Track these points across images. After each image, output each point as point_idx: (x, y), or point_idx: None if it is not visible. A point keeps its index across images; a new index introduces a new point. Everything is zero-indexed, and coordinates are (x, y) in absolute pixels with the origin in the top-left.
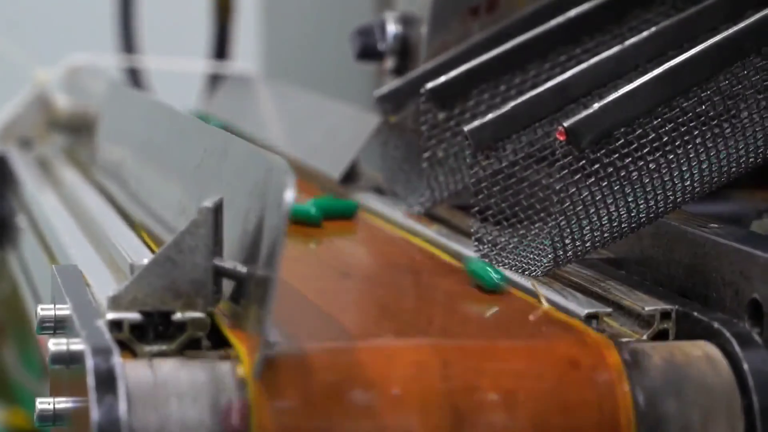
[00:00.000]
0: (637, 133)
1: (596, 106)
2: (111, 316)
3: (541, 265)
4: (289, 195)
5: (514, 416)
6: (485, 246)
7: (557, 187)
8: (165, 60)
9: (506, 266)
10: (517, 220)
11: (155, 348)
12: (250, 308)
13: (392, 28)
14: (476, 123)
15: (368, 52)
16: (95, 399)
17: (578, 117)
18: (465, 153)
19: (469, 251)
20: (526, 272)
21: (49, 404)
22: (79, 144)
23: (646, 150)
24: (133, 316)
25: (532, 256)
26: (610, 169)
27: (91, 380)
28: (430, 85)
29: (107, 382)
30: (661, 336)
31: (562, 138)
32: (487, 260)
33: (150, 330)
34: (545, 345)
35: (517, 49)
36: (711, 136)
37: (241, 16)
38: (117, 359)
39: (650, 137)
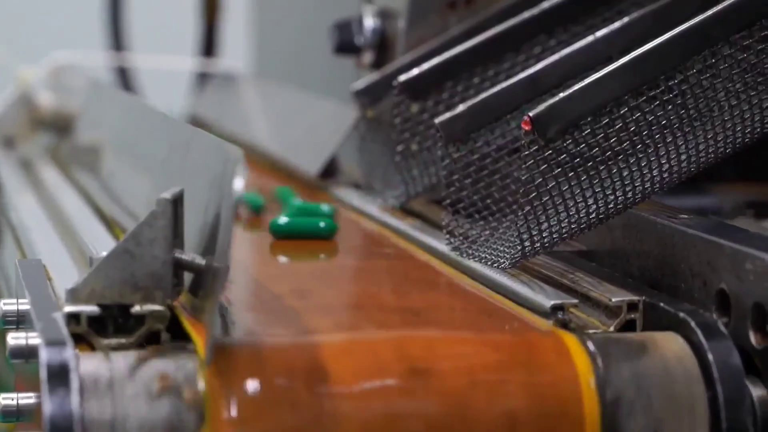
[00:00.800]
0: (604, 122)
1: (562, 95)
2: (68, 309)
3: (509, 257)
4: (238, 184)
5: (475, 410)
6: (456, 239)
7: (523, 178)
8: (152, 58)
9: (477, 259)
10: (489, 213)
11: (114, 341)
12: (206, 300)
13: (370, 22)
14: (447, 115)
15: (345, 46)
16: (47, 392)
17: (543, 106)
18: (437, 146)
19: (441, 244)
20: (495, 264)
21: (12, 400)
22: (62, 142)
23: (614, 140)
24: (91, 309)
25: (501, 248)
26: (577, 160)
27: (43, 373)
28: (402, 77)
29: (60, 375)
30: (628, 327)
31: (527, 128)
32: (458, 253)
33: (109, 323)
34: (507, 337)
35: (491, 40)
36: (680, 126)
37: (230, 13)
38: (70, 352)
39: (617, 127)
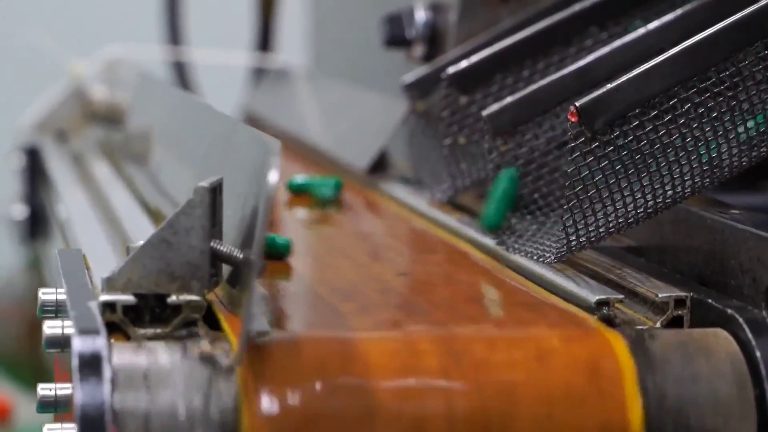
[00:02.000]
0: (653, 114)
1: (610, 86)
2: (104, 298)
3: (555, 252)
4: (273, 176)
5: (511, 408)
6: (503, 233)
7: (569, 171)
8: (208, 52)
9: (522, 253)
10: (537, 207)
11: (149, 331)
12: (242, 293)
13: (421, 15)
14: (495, 107)
15: (396, 39)
16: (79, 381)
17: (591, 97)
18: (484, 138)
19: (486, 239)
20: (541, 259)
21: (50, 390)
22: (113, 135)
23: (662, 132)
24: (127, 298)
25: (548, 243)
26: (624, 152)
27: (75, 362)
28: (451, 69)
29: (92, 364)
30: (675, 323)
31: (573, 119)
32: (504, 247)
33: (146, 313)
34: (549, 335)
35: (540, 33)
36: (731, 119)
37: (286, 8)
38: (103, 341)
39: (667, 119)
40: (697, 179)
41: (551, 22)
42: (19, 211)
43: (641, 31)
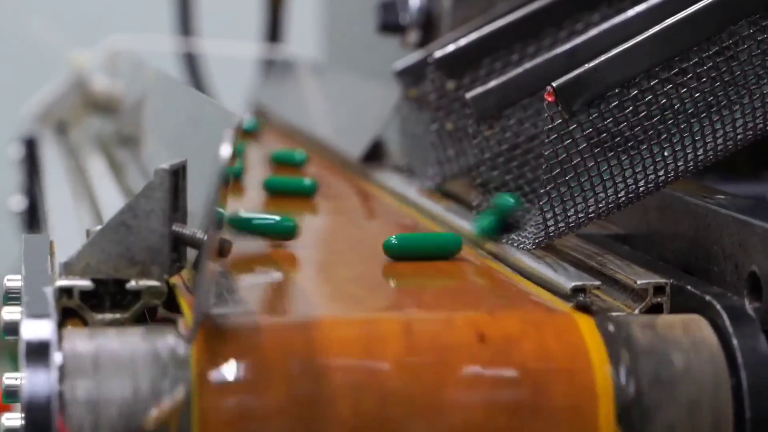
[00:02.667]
0: (633, 95)
1: (588, 65)
2: (60, 283)
3: (533, 238)
4: (225, 150)
5: (476, 392)
6: (485, 218)
7: (546, 153)
8: (216, 43)
9: (503, 240)
10: (522, 194)
11: (108, 316)
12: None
13: (415, 1)
14: (479, 89)
15: (390, 25)
16: (25, 368)
17: (568, 77)
18: (468, 122)
19: (468, 226)
20: (520, 245)
21: (16, 379)
22: (110, 126)
23: (643, 114)
24: (83, 283)
25: (528, 229)
26: (604, 135)
27: (22, 349)
28: (438, 53)
29: (39, 350)
30: (654, 311)
31: (550, 99)
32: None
33: (106, 298)
34: (515, 316)
35: (530, 16)
36: (714, 100)
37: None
38: (51, 327)
39: (647, 100)
40: (680, 163)
41: (541, 4)
42: (18, 202)
43: (631, 13)
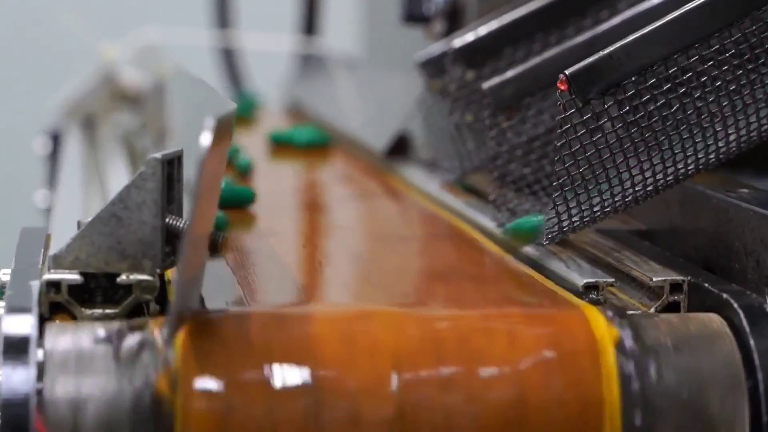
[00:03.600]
0: (650, 83)
1: (603, 52)
2: (47, 276)
3: (547, 232)
4: (205, 139)
5: (471, 390)
6: (503, 215)
7: (558, 144)
8: (250, 36)
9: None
10: (541, 187)
11: (97, 312)
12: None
13: None
14: (496, 80)
15: (414, 15)
16: (2, 364)
17: (582, 64)
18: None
19: (487, 221)
20: (542, 241)
21: None
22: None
23: (661, 102)
24: (72, 277)
25: (548, 223)
26: (620, 124)
27: (1, 344)
28: (457, 42)
29: (17, 346)
30: (671, 309)
31: (563, 87)
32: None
33: (98, 293)
34: (519, 314)
35: (552, 5)
36: (736, 88)
37: None
38: (31, 322)
39: (665, 88)
40: (701, 155)
41: None
42: (43, 197)
43: (654, 0)
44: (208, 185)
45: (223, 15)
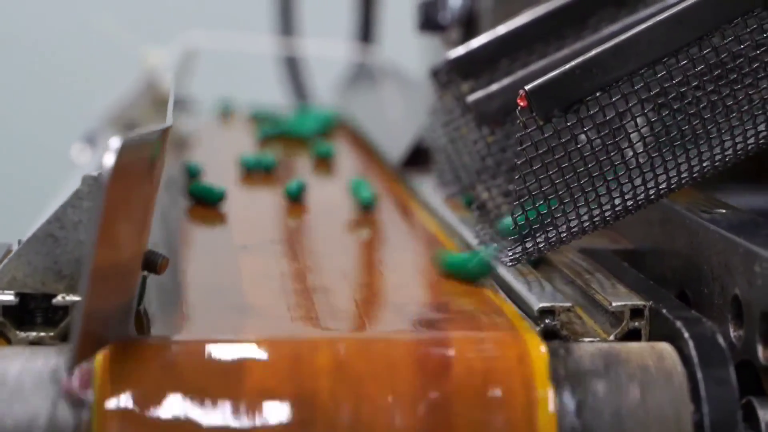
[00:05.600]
0: (615, 99)
1: (566, 67)
2: None
3: (511, 254)
4: (107, 160)
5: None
6: (485, 232)
7: (518, 163)
8: (299, 42)
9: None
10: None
11: (32, 334)
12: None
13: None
14: (480, 93)
15: (430, 24)
16: None
17: (542, 80)
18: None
19: (472, 238)
20: (502, 262)
21: None
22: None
23: (628, 121)
24: (5, 298)
25: (508, 244)
26: (583, 144)
27: None
28: (452, 53)
29: None
30: (632, 336)
31: (523, 104)
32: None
33: (38, 314)
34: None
35: (551, 14)
36: (707, 106)
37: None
38: None
39: (631, 105)
40: (672, 174)
41: (564, 2)
42: None
43: (645, 12)
44: (115, 211)
45: (284, 21)
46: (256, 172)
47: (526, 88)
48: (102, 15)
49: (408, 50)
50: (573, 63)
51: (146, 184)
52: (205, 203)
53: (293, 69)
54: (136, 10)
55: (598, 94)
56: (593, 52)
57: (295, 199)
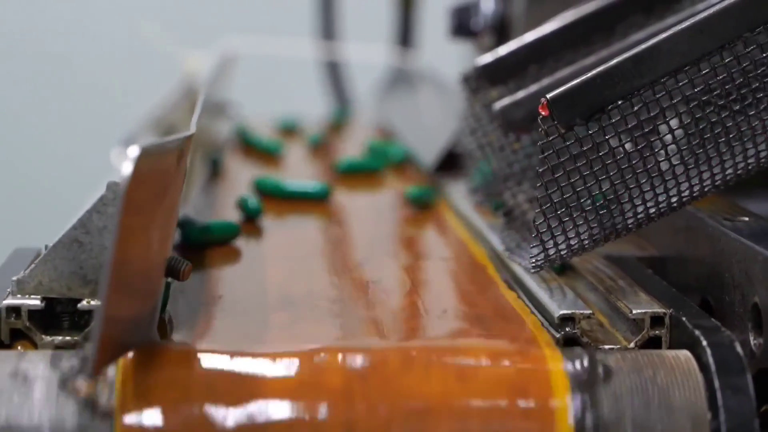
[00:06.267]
0: (637, 108)
1: (586, 76)
2: (7, 302)
3: (534, 260)
4: (125, 168)
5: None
6: (512, 240)
7: (540, 170)
8: (339, 46)
9: (518, 261)
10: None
11: (58, 339)
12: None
13: (488, 5)
14: (507, 100)
15: (462, 30)
16: None
17: (564, 88)
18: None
19: (499, 244)
20: (527, 268)
21: None
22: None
23: (650, 128)
24: (31, 302)
25: (531, 250)
26: (605, 151)
27: None
28: (480, 60)
29: None
30: (653, 344)
31: (544, 113)
32: (508, 254)
33: (65, 319)
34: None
35: (580, 21)
36: (729, 115)
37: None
38: None
39: (654, 113)
40: (694, 183)
41: (593, 8)
42: None
43: (671, 19)
44: (134, 218)
45: (325, 26)
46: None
47: (548, 96)
48: (143, 19)
49: (447, 55)
50: (594, 72)
51: (168, 192)
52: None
53: (334, 73)
54: (177, 14)
55: (619, 103)
56: (614, 61)
57: (322, 199)
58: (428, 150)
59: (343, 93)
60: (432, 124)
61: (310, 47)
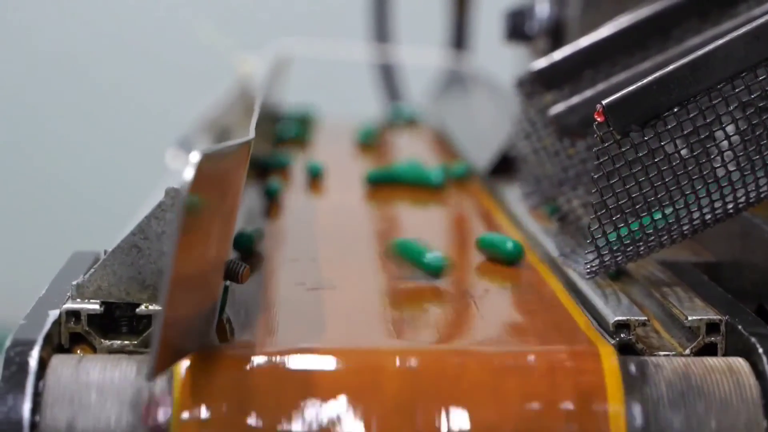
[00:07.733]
0: (693, 115)
1: (642, 82)
2: (66, 306)
3: (589, 267)
4: (187, 173)
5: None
6: (566, 245)
7: (595, 177)
8: (393, 49)
9: (573, 267)
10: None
11: (116, 343)
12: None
13: (543, 9)
14: (562, 105)
15: (516, 34)
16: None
17: (620, 94)
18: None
19: (553, 249)
20: (582, 274)
21: None
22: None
23: (705, 136)
24: (91, 306)
25: (586, 256)
26: (661, 158)
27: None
28: (536, 65)
29: (14, 378)
30: (709, 351)
31: (600, 119)
32: (562, 260)
33: (123, 323)
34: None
35: (634, 26)
36: None
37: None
38: (33, 353)
39: (710, 120)
40: (750, 188)
41: (648, 13)
42: None
43: (728, 25)
44: (194, 223)
45: (379, 28)
46: None
47: (603, 102)
48: (200, 21)
49: (501, 58)
50: (650, 78)
51: (227, 196)
52: None
53: (388, 75)
54: (232, 16)
55: (675, 110)
56: (671, 68)
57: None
58: (482, 153)
59: (397, 95)
60: (486, 126)
61: (365, 49)
